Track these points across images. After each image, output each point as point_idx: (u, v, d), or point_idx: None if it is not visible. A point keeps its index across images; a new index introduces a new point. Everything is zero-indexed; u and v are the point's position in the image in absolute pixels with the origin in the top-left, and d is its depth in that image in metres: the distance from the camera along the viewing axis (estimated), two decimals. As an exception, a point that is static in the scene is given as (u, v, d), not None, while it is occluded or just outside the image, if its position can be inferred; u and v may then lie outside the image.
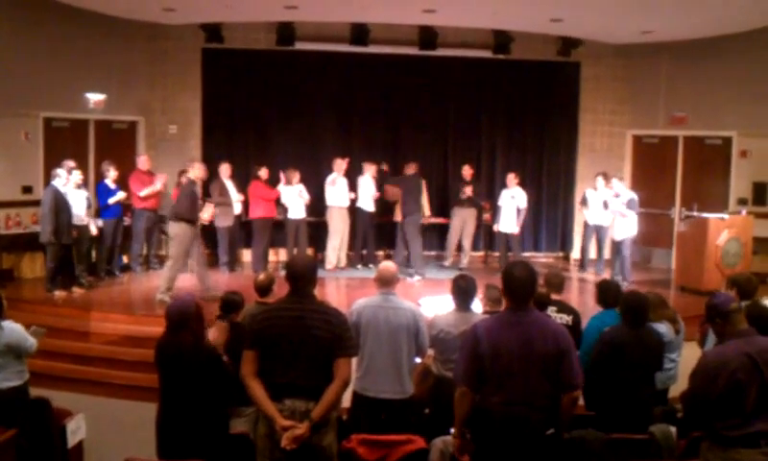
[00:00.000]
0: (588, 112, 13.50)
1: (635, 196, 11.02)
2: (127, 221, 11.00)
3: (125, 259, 11.27)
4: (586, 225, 12.06)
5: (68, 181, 9.59)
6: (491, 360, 3.84)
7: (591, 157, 13.32)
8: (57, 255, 9.35)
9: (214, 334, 5.15)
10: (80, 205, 9.75)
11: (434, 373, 5.48)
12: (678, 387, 5.48)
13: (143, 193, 10.78)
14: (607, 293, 5.97)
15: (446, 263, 12.06)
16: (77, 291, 9.59)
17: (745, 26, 11.31)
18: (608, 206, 11.21)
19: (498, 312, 4.83)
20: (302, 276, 4.07)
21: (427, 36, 12.51)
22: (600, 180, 11.63)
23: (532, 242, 13.32)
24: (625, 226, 10.88)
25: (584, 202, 11.94)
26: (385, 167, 11.86)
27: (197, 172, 9.43)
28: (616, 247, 11.08)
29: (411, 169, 11.41)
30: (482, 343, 3.88)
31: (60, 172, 9.52)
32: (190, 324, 4.52)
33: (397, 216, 11.69)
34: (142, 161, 11.27)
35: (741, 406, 3.64)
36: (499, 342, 3.85)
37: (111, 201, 10.47)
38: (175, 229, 8.97)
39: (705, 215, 10.40)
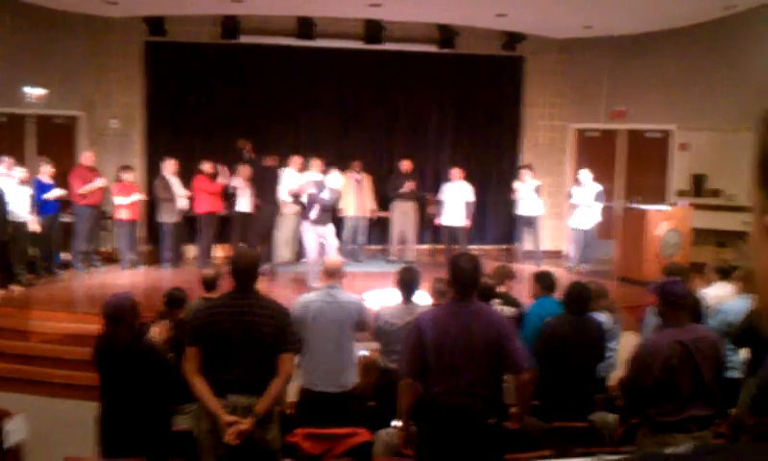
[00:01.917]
0: (532, 106, 13.68)
1: (601, 188, 11.45)
2: (67, 218, 10.78)
3: (62, 257, 11.02)
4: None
5: (8, 178, 9.36)
6: (434, 351, 3.89)
7: (535, 151, 13.51)
8: None
9: (156, 331, 5.11)
10: (21, 201, 9.52)
11: (378, 365, 5.52)
12: (617, 375, 5.61)
13: (82, 190, 10.58)
14: (544, 281, 6.07)
15: (392, 257, 12.10)
16: (15, 289, 9.36)
17: (683, 22, 11.60)
18: (571, 196, 11.67)
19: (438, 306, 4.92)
20: (246, 271, 4.07)
21: (373, 30, 12.55)
22: (526, 173, 11.92)
23: (478, 235, 13.43)
24: (592, 216, 11.29)
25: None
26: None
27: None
28: (584, 237, 11.42)
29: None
30: (425, 334, 3.94)
31: (1, 169, 9.30)
32: (126, 320, 4.48)
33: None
34: (86, 157, 11.03)
35: (675, 393, 3.75)
36: (442, 333, 3.91)
37: (47, 196, 10.23)
38: None
39: (645, 207, 10.62)
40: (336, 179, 9.77)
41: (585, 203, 11.30)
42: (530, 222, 11.98)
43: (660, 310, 4.13)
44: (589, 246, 11.45)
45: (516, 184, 12.04)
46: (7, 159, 9.50)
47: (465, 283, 3.99)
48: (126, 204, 10.84)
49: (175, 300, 5.72)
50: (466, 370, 3.86)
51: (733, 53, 11.06)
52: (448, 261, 4.23)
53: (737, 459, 0.72)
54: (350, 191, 11.95)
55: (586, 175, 11.53)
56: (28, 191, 9.73)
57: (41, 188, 10.20)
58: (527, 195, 11.85)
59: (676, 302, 4.01)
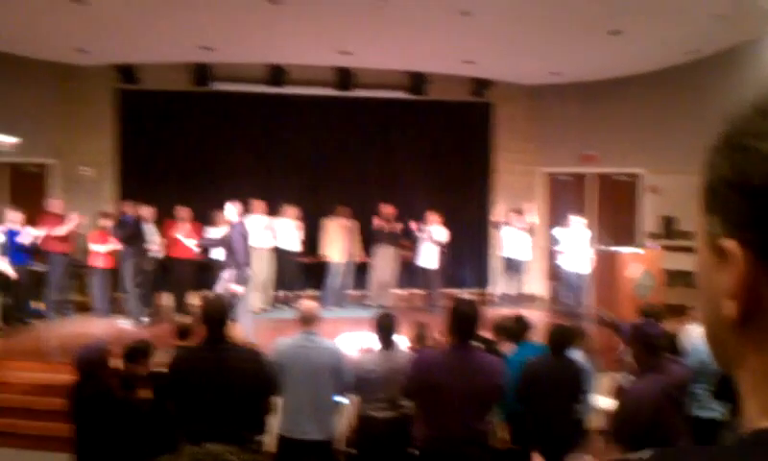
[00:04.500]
0: (503, 151, 13.86)
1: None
2: (38, 266, 10.65)
3: (34, 305, 10.86)
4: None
5: None
6: (431, 394, 3.91)
7: (506, 195, 13.62)
8: None
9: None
10: None
11: (359, 413, 5.47)
12: (593, 416, 5.61)
13: (59, 231, 10.47)
14: (517, 328, 6.09)
15: (369, 302, 12.08)
16: None
17: (648, 67, 11.86)
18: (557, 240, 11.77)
19: (422, 349, 4.93)
20: (219, 319, 4.06)
21: (343, 77, 12.72)
22: (514, 216, 12.02)
23: (453, 279, 13.46)
24: (587, 260, 11.36)
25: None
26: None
27: None
28: (578, 279, 11.43)
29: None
30: (423, 376, 3.97)
31: None
32: (99, 371, 4.43)
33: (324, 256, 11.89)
34: (53, 205, 10.93)
35: (664, 439, 3.76)
36: (441, 376, 3.93)
37: (25, 236, 10.10)
38: None
39: (618, 249, 10.74)
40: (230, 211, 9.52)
41: (577, 247, 11.35)
42: (514, 265, 12.04)
43: (635, 354, 4.16)
44: (581, 288, 11.44)
45: (502, 227, 12.13)
46: None
47: (464, 329, 4.03)
48: (102, 251, 10.75)
49: (135, 353, 5.44)
50: (462, 414, 3.87)
51: (698, 97, 11.28)
52: (450, 306, 4.25)
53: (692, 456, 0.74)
54: (337, 237, 11.99)
55: (578, 221, 11.60)
56: None
57: (12, 236, 10.08)
58: (513, 238, 11.92)
59: (653, 344, 4.05)
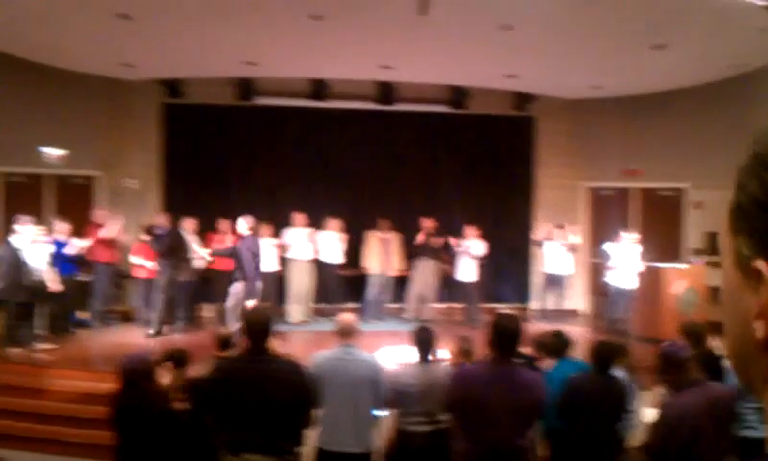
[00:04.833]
0: (544, 166, 13.76)
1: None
2: (83, 277, 10.84)
3: (78, 315, 11.06)
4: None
5: (26, 237, 9.44)
6: (472, 408, 3.90)
7: (548, 210, 13.53)
8: (14, 313, 9.17)
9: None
10: (40, 260, 9.59)
11: (396, 427, 5.45)
12: (635, 436, 5.54)
13: (105, 233, 10.66)
14: (557, 344, 6.04)
15: (408, 315, 12.07)
16: (37, 348, 9.37)
17: (692, 81, 11.71)
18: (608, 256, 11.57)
19: (463, 364, 4.91)
20: (260, 330, 4.09)
21: (385, 91, 12.75)
22: (557, 231, 11.91)
23: (493, 293, 13.40)
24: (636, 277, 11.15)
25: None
26: None
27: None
28: (624, 296, 11.25)
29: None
30: (465, 389, 3.97)
31: (20, 228, 9.40)
32: (143, 380, 4.49)
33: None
34: (98, 216, 11.14)
35: (702, 456, 3.71)
36: (483, 391, 3.92)
37: (71, 246, 10.30)
38: None
39: (662, 265, 10.59)
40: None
41: (626, 263, 11.18)
42: (556, 280, 11.93)
43: (668, 380, 4.12)
44: (627, 305, 11.25)
45: (542, 240, 12.04)
46: (24, 219, 9.59)
47: (505, 343, 4.01)
48: (148, 266, 10.91)
49: (176, 360, 5.54)
50: (503, 429, 3.86)
51: (742, 111, 11.11)
52: (491, 321, 4.24)
53: None
54: (376, 249, 12.04)
55: (628, 236, 11.43)
56: (47, 250, 9.79)
57: (59, 247, 10.29)
58: (556, 253, 11.82)
59: (676, 361, 4.00)
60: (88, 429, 7.39)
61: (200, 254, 11.22)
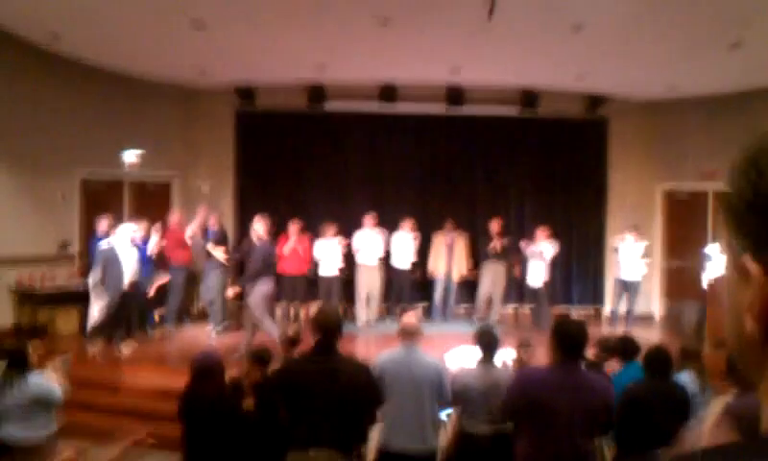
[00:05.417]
0: (617, 168, 13.51)
1: None
2: (160, 278, 11.12)
3: (155, 315, 11.37)
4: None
5: (124, 238, 9.74)
6: (538, 412, 3.89)
7: (622, 213, 13.25)
8: (110, 311, 9.48)
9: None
10: (131, 261, 9.84)
11: (459, 428, 5.46)
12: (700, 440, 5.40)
13: (188, 234, 10.99)
14: (623, 348, 5.93)
15: (477, 318, 12.03)
16: (121, 346, 9.62)
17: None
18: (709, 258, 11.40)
19: (526, 366, 4.89)
20: (331, 330, 4.16)
21: (454, 93, 12.72)
22: (629, 235, 11.68)
23: (564, 295, 13.26)
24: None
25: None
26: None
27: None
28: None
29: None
30: (529, 393, 3.96)
31: (123, 229, 9.73)
32: (213, 376, 4.60)
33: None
34: (174, 219, 11.44)
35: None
36: (548, 395, 3.90)
37: (150, 250, 10.61)
38: None
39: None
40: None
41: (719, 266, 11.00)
42: (629, 284, 11.72)
43: (729, 377, 4.05)
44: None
45: (618, 246, 11.83)
46: (127, 222, 9.96)
47: (570, 347, 3.99)
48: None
49: (260, 358, 5.77)
50: (568, 433, 3.83)
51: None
52: (553, 325, 4.22)
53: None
54: (441, 253, 12.06)
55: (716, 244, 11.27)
56: (135, 253, 10.04)
57: (140, 249, 10.57)
58: (629, 257, 11.63)
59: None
60: (161, 425, 7.59)
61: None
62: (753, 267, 0.72)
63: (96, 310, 9.49)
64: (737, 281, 0.76)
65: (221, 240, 10.86)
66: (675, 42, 9.66)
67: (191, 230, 11.00)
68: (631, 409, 4.88)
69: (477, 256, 12.40)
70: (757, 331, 0.73)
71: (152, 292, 10.50)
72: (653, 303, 13.13)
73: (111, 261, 9.36)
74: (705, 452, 0.75)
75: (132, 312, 10.16)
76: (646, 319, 12.52)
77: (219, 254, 10.82)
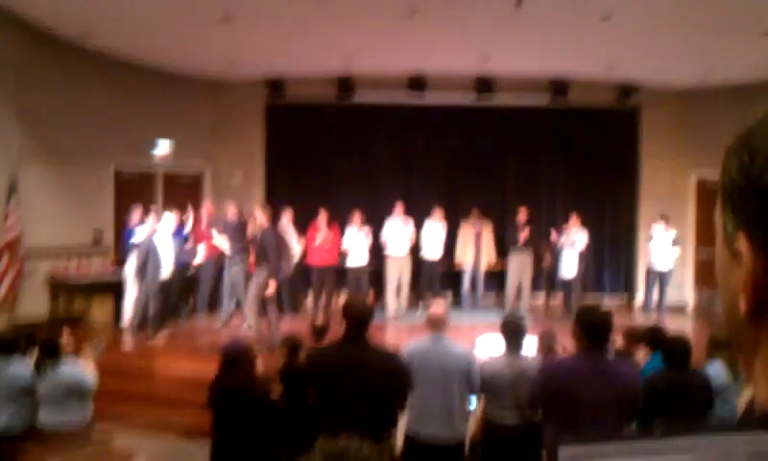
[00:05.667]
0: (649, 157, 13.37)
1: None
2: (192, 269, 11.25)
3: (186, 305, 11.51)
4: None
5: (165, 229, 9.88)
6: (565, 401, 3.89)
7: (654, 202, 13.10)
8: (152, 301, 9.64)
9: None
10: (168, 252, 9.99)
11: (486, 418, 5.44)
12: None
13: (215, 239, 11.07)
14: (651, 337, 5.88)
15: (505, 307, 11.99)
16: (155, 335, 9.74)
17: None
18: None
19: (552, 356, 4.87)
20: (361, 319, 4.20)
21: (484, 82, 12.66)
22: (660, 224, 11.59)
23: (596, 284, 13.17)
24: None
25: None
26: None
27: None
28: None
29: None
30: (556, 382, 3.96)
31: (164, 219, 9.88)
32: (241, 363, 4.66)
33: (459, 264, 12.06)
34: (205, 210, 11.58)
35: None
36: (573, 384, 3.90)
37: (187, 230, 10.78)
38: None
39: None
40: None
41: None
42: (661, 274, 11.62)
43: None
44: None
45: (652, 234, 11.75)
46: (163, 211, 10.08)
47: (595, 336, 3.97)
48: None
49: (292, 345, 5.78)
50: (597, 422, 3.81)
51: None
52: (577, 312, 4.21)
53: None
54: (469, 243, 12.05)
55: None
56: (172, 243, 10.21)
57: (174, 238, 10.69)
58: (660, 246, 11.54)
59: None
60: (195, 413, 7.68)
61: (297, 247, 11.49)
62: (742, 243, 0.73)
63: (132, 301, 9.65)
64: (729, 262, 0.78)
65: (238, 231, 10.83)
66: (706, 30, 9.53)
67: (190, 225, 11.13)
68: (650, 399, 4.84)
69: (507, 246, 12.36)
70: (747, 308, 0.74)
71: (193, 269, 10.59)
72: (686, 292, 13.00)
73: (152, 252, 9.50)
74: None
75: (169, 301, 10.31)
76: (679, 308, 12.40)
77: (222, 242, 10.78)
